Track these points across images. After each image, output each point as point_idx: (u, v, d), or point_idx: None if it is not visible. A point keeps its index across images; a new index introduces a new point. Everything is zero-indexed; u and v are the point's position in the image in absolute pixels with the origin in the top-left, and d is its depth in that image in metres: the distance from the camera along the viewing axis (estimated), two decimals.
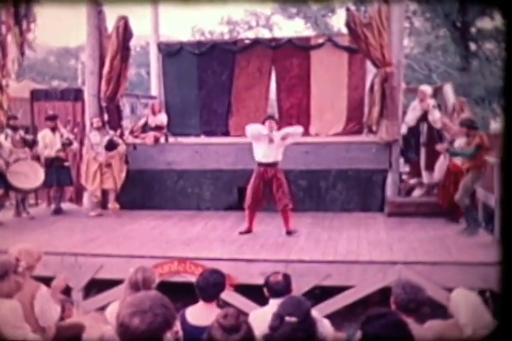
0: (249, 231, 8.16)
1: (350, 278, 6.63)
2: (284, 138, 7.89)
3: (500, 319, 3.61)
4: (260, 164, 7.99)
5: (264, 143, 7.88)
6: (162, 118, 11.41)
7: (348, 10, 9.96)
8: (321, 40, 12.61)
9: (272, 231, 8.25)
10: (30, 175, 9.21)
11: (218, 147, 10.40)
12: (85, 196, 10.79)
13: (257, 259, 6.84)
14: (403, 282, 4.10)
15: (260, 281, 4.70)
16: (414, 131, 9.84)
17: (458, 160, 8.15)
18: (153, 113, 11.42)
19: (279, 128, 8.13)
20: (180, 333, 4.25)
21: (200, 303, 4.32)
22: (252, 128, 7.98)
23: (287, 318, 3.22)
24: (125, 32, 10.35)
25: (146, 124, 11.20)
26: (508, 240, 3.61)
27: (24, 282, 4.45)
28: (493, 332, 3.68)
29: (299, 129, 8.11)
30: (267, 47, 12.73)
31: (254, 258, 6.88)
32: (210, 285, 4.29)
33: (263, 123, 8.06)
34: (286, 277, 4.43)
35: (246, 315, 4.50)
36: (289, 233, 8.04)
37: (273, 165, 7.96)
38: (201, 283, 4.33)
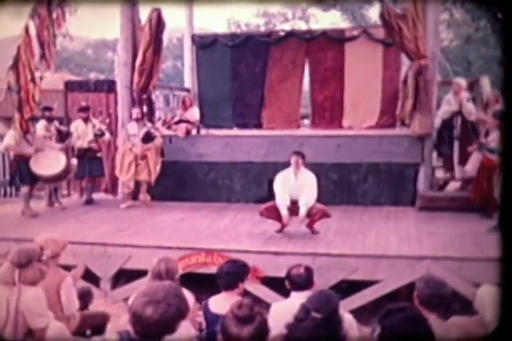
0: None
1: (377, 272, 6.56)
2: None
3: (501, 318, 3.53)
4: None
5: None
6: (194, 112, 11.42)
7: (382, 1, 9.84)
8: (355, 33, 12.50)
9: (302, 224, 8.21)
10: (52, 163, 9.29)
11: (250, 139, 10.38)
12: (120, 186, 10.87)
13: (284, 252, 6.81)
14: (427, 277, 4.04)
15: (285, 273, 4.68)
16: (448, 124, 9.68)
17: (492, 155, 7.99)
18: (185, 108, 11.44)
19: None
20: (204, 324, 4.29)
21: (222, 293, 4.35)
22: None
23: (313, 314, 3.19)
24: (158, 24, 10.40)
25: (179, 119, 11.23)
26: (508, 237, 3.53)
27: (49, 270, 4.51)
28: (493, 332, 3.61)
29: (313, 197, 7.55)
30: (301, 40, 12.66)
31: (282, 250, 6.85)
32: (227, 274, 4.34)
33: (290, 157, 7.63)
34: (308, 270, 4.40)
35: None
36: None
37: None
38: (219, 272, 4.44)
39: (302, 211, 7.34)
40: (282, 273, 5.86)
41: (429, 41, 9.30)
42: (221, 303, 4.22)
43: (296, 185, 7.48)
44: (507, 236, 3.55)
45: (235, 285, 4.35)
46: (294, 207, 7.48)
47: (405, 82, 9.73)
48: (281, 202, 7.44)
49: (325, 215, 7.53)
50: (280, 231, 7.75)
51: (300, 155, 7.56)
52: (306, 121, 14.05)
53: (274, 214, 7.57)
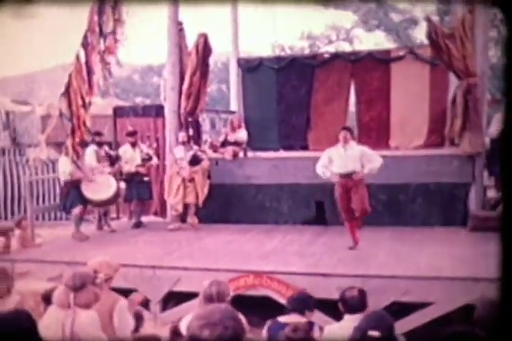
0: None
1: (430, 294, 6.44)
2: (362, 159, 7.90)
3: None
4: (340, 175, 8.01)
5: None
6: (241, 134, 11.48)
7: (429, 21, 9.79)
8: (401, 53, 12.45)
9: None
10: (103, 187, 9.46)
11: (296, 161, 10.40)
12: (169, 209, 10.98)
13: (333, 274, 6.76)
14: (485, 299, 3.95)
15: (337, 296, 4.66)
16: (498, 143, 9.51)
17: None
18: (233, 129, 11.53)
19: (360, 141, 8.15)
20: None
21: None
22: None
23: (370, 332, 3.15)
24: (205, 49, 10.59)
25: (225, 139, 11.29)
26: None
27: (103, 293, 4.57)
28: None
29: (378, 161, 7.99)
30: (346, 61, 12.67)
31: (331, 272, 6.80)
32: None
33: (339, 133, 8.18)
34: (362, 292, 4.37)
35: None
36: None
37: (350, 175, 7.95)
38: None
39: (365, 170, 7.90)
40: (332, 295, 5.84)
41: (477, 59, 9.21)
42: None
43: (346, 158, 7.91)
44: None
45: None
46: (346, 180, 7.85)
47: (454, 101, 9.63)
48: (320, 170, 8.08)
49: (365, 214, 7.88)
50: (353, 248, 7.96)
51: (349, 131, 8.18)
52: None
53: None
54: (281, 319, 4.48)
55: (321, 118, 12.79)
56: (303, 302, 4.71)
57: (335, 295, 4.94)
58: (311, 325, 4.34)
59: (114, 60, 9.77)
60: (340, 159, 7.96)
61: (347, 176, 7.92)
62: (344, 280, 6.37)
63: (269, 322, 4.52)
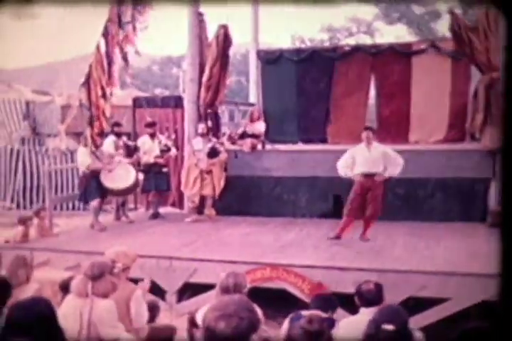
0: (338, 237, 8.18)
1: (446, 290, 6.41)
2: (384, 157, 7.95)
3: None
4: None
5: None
6: (260, 126, 11.48)
7: (452, 13, 9.71)
8: (423, 46, 12.34)
9: (371, 238, 8.14)
10: (122, 177, 9.51)
11: (315, 154, 10.41)
12: (186, 201, 11.01)
13: (350, 268, 6.75)
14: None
15: (352, 290, 4.66)
16: None
17: None
18: (252, 120, 11.53)
19: (379, 135, 8.17)
20: (269, 333, 4.30)
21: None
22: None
23: (384, 326, 3.15)
24: (225, 40, 10.59)
25: (244, 131, 11.29)
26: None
27: (120, 283, 4.62)
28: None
29: (399, 165, 8.03)
30: (366, 54, 12.59)
31: (348, 266, 6.80)
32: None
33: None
34: (378, 286, 4.38)
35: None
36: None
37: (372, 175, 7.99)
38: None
39: (386, 174, 7.97)
40: (348, 289, 5.84)
41: (501, 53, 9.11)
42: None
43: (370, 160, 7.95)
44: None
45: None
46: (367, 180, 7.91)
47: (476, 95, 9.55)
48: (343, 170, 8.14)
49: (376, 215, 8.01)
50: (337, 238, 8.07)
51: (371, 131, 8.17)
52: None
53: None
54: (304, 313, 4.50)
55: (341, 112, 12.74)
56: (327, 302, 4.70)
57: (351, 289, 4.94)
58: (331, 320, 4.34)
59: (133, 49, 9.80)
60: (364, 160, 8.00)
61: (368, 176, 7.94)
62: (360, 274, 6.37)
63: (291, 315, 4.52)
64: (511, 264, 3.20)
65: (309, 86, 12.91)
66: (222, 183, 10.04)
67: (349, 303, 4.96)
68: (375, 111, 12.94)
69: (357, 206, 8.02)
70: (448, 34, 9.83)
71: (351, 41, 30.30)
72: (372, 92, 12.94)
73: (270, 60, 13.35)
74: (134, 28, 9.57)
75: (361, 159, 8.00)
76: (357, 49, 12.97)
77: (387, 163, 7.96)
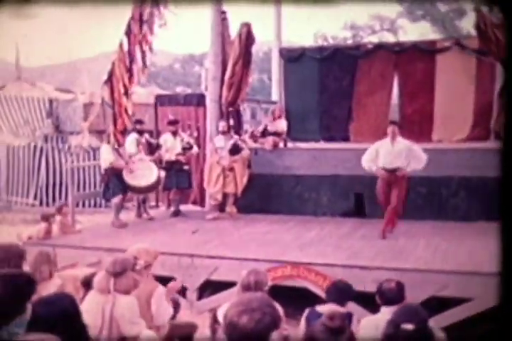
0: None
1: (469, 290, 6.37)
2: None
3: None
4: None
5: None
6: (282, 124, 11.48)
7: (478, 11, 9.63)
8: (447, 44, 12.27)
9: (390, 238, 8.12)
10: (144, 174, 9.57)
11: (337, 152, 10.39)
12: (207, 198, 11.05)
13: (371, 266, 6.74)
14: None
15: (373, 289, 4.66)
16: None
17: None
18: (273, 119, 11.53)
19: (402, 134, 8.19)
20: (289, 331, 4.33)
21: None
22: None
23: (403, 325, 3.15)
24: (248, 38, 10.61)
25: (265, 129, 11.31)
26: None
27: (142, 280, 4.66)
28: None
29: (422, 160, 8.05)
30: (390, 52, 12.56)
31: (369, 265, 6.79)
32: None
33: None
34: (400, 285, 4.37)
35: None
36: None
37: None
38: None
39: (408, 169, 8.02)
40: (369, 288, 5.84)
41: None
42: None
43: (393, 154, 7.98)
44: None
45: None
46: (390, 175, 7.96)
47: (501, 93, 9.47)
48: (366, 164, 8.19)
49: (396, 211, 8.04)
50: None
51: (396, 125, 8.25)
52: None
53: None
54: (319, 308, 4.51)
55: (363, 110, 12.73)
56: (343, 292, 4.72)
57: (372, 288, 4.93)
58: (349, 315, 4.35)
59: (149, 47, 9.85)
60: (388, 154, 8.05)
61: (391, 171, 7.97)
62: (381, 273, 6.35)
63: (306, 311, 4.55)
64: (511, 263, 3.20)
65: (332, 84, 12.91)
66: (245, 180, 10.06)
67: (370, 302, 4.96)
68: (397, 110, 12.90)
69: (387, 202, 8.13)
70: (473, 32, 9.75)
71: (374, 39, 30.22)
72: (395, 91, 12.90)
73: (292, 58, 13.36)
74: (151, 27, 9.61)
75: (384, 153, 8.07)
76: (380, 47, 12.94)
77: (411, 157, 7.99)
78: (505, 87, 3.67)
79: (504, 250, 3.43)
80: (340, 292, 4.75)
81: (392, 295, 4.29)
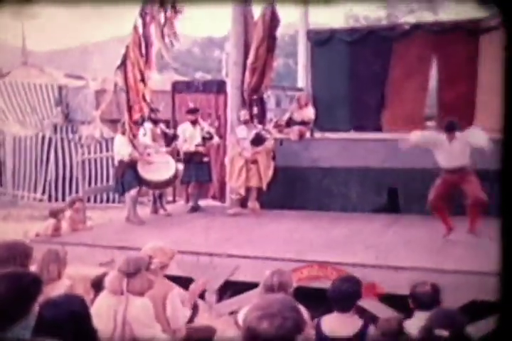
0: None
1: None
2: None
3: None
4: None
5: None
6: (309, 113, 11.44)
7: None
8: (492, 23, 12.10)
9: (427, 235, 8.06)
10: (161, 168, 9.59)
11: (368, 143, 10.36)
12: (228, 193, 11.05)
13: (405, 267, 6.70)
14: None
15: (406, 292, 4.64)
16: None
17: None
18: (300, 106, 11.49)
19: (440, 122, 8.00)
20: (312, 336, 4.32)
21: (336, 313, 4.34)
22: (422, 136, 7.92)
23: (437, 331, 3.14)
24: (272, 20, 10.57)
25: (291, 118, 11.28)
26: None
27: (157, 281, 4.69)
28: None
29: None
30: (428, 33, 12.42)
31: (403, 265, 6.75)
32: (342, 294, 4.31)
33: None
34: (435, 288, 4.35)
35: None
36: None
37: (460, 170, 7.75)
38: (333, 292, 4.37)
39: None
40: (403, 291, 5.81)
41: None
42: (335, 325, 4.25)
43: (451, 151, 7.64)
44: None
45: (352, 305, 4.35)
46: (452, 176, 7.67)
47: None
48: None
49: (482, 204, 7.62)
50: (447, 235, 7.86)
51: (454, 128, 7.78)
52: (430, 123, 13.76)
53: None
54: (326, 329, 4.35)
55: (398, 97, 12.62)
56: (353, 296, 4.39)
57: (405, 291, 4.92)
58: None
59: (173, 32, 9.82)
60: (445, 154, 7.71)
61: (453, 172, 7.71)
62: (416, 274, 6.32)
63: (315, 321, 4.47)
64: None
65: (363, 69, 12.83)
66: (270, 173, 9.98)
67: (403, 306, 4.95)
68: (436, 96, 12.79)
69: (444, 200, 7.86)
70: None
71: (411, 19, 29.89)
72: (434, 75, 12.78)
73: (321, 40, 13.30)
74: (176, 10, 9.57)
75: (441, 153, 7.73)
76: (417, 27, 12.81)
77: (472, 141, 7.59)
78: (505, 88, 3.66)
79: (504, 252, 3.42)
80: (346, 295, 4.38)
81: (427, 298, 4.27)
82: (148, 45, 9.61)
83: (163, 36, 9.49)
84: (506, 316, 3.18)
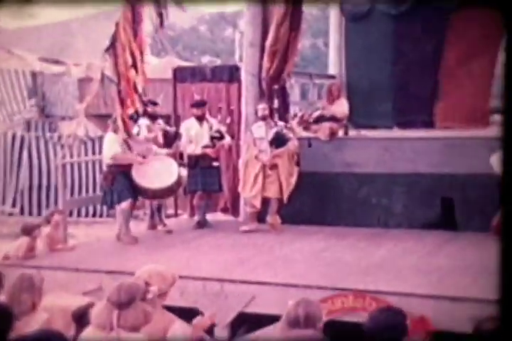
0: None
1: None
2: None
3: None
4: None
5: None
6: (342, 107, 11.44)
7: None
8: None
9: (491, 258, 8.01)
10: (161, 173, 9.61)
11: (416, 143, 10.36)
12: (242, 205, 11.05)
13: (466, 297, 6.68)
14: None
15: (469, 329, 4.64)
16: None
17: None
18: (331, 99, 11.50)
19: None
20: None
21: None
22: None
23: None
24: None
25: (320, 114, 11.28)
26: None
27: (154, 313, 4.71)
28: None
29: None
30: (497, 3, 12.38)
31: (463, 295, 6.74)
32: (384, 330, 4.30)
33: None
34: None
35: None
36: None
37: None
38: (371, 326, 4.35)
39: None
40: (462, 327, 5.80)
41: None
42: None
43: None
44: None
45: None
46: None
47: None
48: None
49: None
50: None
51: None
52: (498, 117, 13.69)
53: None
54: None
55: (455, 84, 12.57)
56: (398, 332, 4.43)
57: (467, 327, 4.92)
58: None
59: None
60: None
61: None
62: (480, 307, 6.30)
63: None
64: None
65: (411, 50, 12.78)
66: (293, 182, 9.98)
67: None
68: (503, 84, 12.73)
69: None
70: None
71: None
72: (501, 58, 12.74)
73: (358, 15, 13.28)
74: None
75: None
76: None
77: None
78: (505, 89, 3.70)
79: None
80: (382, 332, 4.32)
81: (496, 338, 4.26)
82: (139, 22, 9.59)
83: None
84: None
